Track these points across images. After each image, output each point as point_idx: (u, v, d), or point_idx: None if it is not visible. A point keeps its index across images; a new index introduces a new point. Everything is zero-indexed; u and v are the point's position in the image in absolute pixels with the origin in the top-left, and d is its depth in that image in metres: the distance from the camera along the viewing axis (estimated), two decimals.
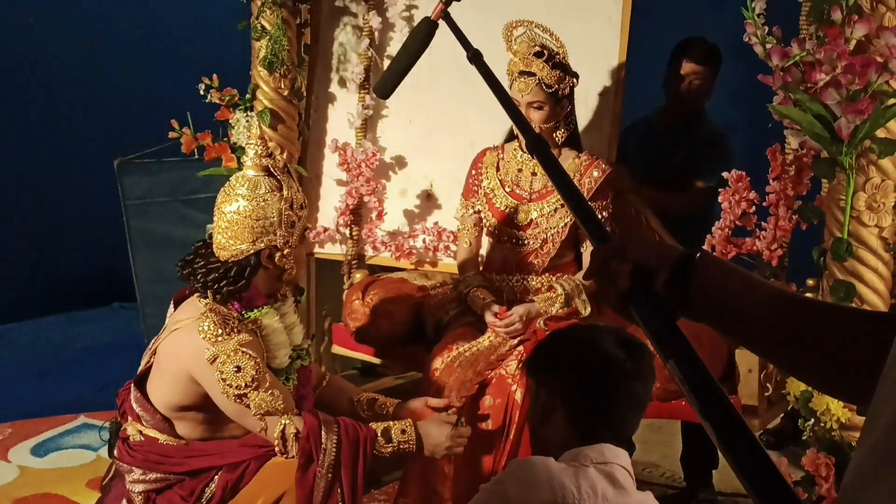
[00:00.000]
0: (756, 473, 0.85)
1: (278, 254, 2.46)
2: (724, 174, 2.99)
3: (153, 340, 2.56)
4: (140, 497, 2.46)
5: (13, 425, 4.17)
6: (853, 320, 1.10)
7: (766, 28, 2.70)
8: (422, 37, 1.99)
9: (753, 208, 2.95)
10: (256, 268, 2.44)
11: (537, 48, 2.94)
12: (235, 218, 2.40)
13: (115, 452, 2.60)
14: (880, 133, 2.50)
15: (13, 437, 4.05)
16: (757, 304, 1.11)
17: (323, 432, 2.38)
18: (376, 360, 3.50)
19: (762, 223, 2.95)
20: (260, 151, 2.44)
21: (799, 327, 1.08)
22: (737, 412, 0.93)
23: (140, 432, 2.50)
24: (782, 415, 3.22)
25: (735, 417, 0.91)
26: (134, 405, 2.51)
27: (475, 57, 1.76)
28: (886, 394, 0.81)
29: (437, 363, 2.92)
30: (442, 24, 1.94)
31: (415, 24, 3.56)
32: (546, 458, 1.79)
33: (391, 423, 2.49)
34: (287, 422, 2.37)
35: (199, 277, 2.44)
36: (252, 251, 2.42)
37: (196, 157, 3.71)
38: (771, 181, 2.89)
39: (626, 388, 1.85)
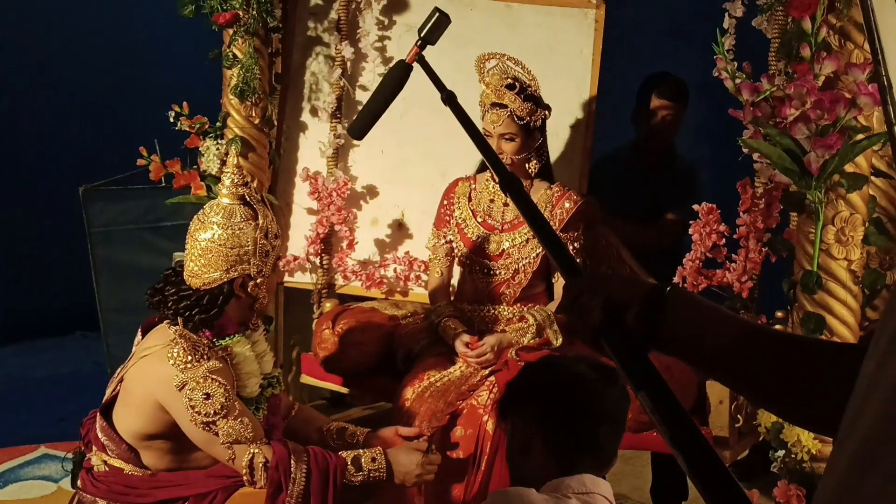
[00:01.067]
0: (725, 499, 0.85)
1: (251, 283, 2.44)
2: (695, 207, 3.02)
3: (120, 368, 2.53)
4: None
5: None
6: (820, 352, 1.11)
7: (736, 63, 2.75)
8: (396, 79, 2.01)
9: (724, 241, 2.99)
10: (229, 296, 2.42)
11: (509, 80, 2.96)
12: (209, 246, 2.39)
13: (79, 483, 2.55)
14: (849, 168, 2.55)
15: None
16: (724, 336, 1.12)
17: (292, 461, 2.35)
18: (345, 391, 3.47)
19: (732, 255, 2.98)
20: (236, 180, 2.44)
21: (766, 360, 1.09)
22: (707, 442, 0.94)
23: (105, 462, 2.46)
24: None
25: (705, 447, 0.92)
26: (99, 434, 2.47)
27: (449, 99, 1.77)
28: (851, 424, 0.81)
29: (408, 393, 2.91)
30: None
31: (387, 54, 3.60)
32: (526, 489, 1.78)
33: (361, 451, 2.47)
34: (256, 451, 2.34)
35: (170, 305, 2.41)
36: (225, 279, 2.40)
37: (164, 184, 3.68)
38: (741, 214, 2.93)
39: (601, 408, 1.86)
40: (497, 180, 1.61)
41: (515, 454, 1.92)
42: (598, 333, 1.16)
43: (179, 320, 2.40)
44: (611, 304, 1.16)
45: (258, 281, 2.45)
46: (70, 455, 2.77)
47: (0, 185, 5.79)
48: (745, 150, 2.75)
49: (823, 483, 0.84)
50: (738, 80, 2.72)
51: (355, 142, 3.69)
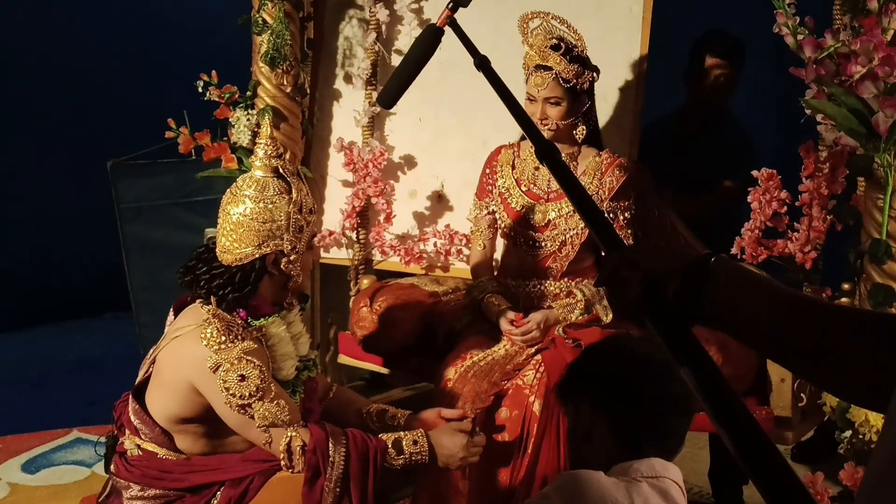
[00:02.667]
0: (773, 479, 0.85)
1: (284, 259, 2.45)
2: (754, 173, 2.98)
3: (152, 349, 2.56)
4: None
5: (2, 440, 4.18)
6: (875, 325, 1.09)
7: (798, 18, 2.69)
8: (427, 44, 2.00)
9: (785, 208, 2.94)
10: (262, 273, 2.44)
11: (554, 41, 2.93)
12: (241, 220, 2.40)
13: (112, 468, 2.59)
14: None
15: (3, 452, 4.06)
16: (769, 309, 1.12)
17: (331, 445, 2.37)
18: (385, 371, 3.49)
19: (794, 224, 2.93)
20: (269, 152, 2.45)
21: (814, 333, 1.08)
22: (754, 420, 0.93)
23: (138, 446, 2.50)
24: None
25: (751, 423, 0.93)
26: (132, 417, 2.50)
27: (482, 64, 1.76)
28: None
29: (450, 373, 2.91)
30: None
31: (424, 16, 3.58)
32: (596, 472, 1.79)
33: (402, 433, 2.48)
34: (293, 434, 2.36)
35: (202, 284, 2.43)
36: (257, 255, 2.42)
37: (193, 157, 3.71)
38: (804, 180, 2.88)
39: (670, 392, 1.85)
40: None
41: (578, 438, 1.93)
42: (637, 308, 1.17)
43: (213, 300, 2.42)
44: (650, 278, 1.17)
45: (291, 258, 2.46)
46: (102, 439, 2.82)
47: (26, 161, 5.87)
48: (808, 112, 2.70)
49: (875, 457, 0.83)
50: (799, 36, 2.67)
51: (392, 110, 3.67)
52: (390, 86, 2.06)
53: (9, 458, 4.00)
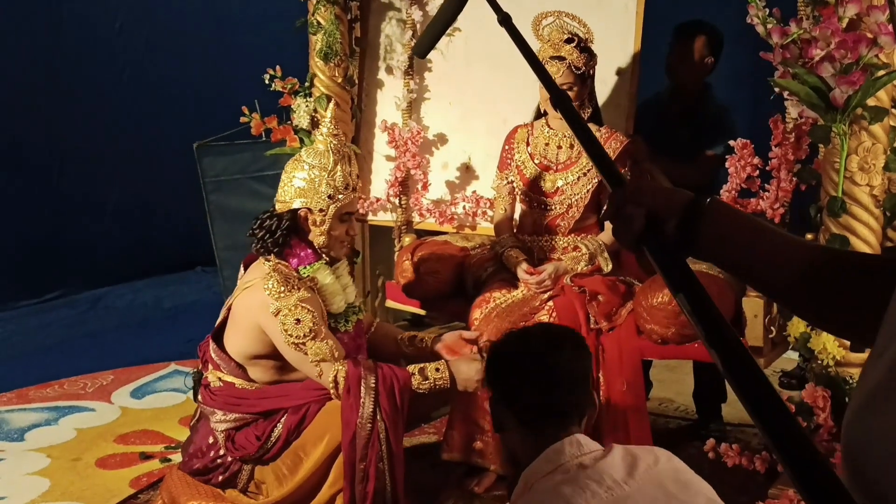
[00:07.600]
0: (756, 394, 0.81)
1: (311, 217, 2.49)
2: (731, 142, 2.95)
3: (228, 298, 2.61)
4: (223, 435, 2.53)
5: (115, 372, 4.25)
6: (849, 263, 1.06)
7: (767, 10, 2.65)
8: (456, 1, 1.93)
9: (757, 172, 2.90)
10: (292, 224, 2.49)
11: (567, 35, 2.92)
12: (292, 179, 2.50)
13: (199, 397, 2.65)
14: (871, 101, 2.46)
15: (115, 382, 4.13)
16: (757, 242, 1.08)
17: (362, 381, 2.41)
18: (423, 313, 3.52)
19: (765, 185, 2.90)
20: (331, 129, 2.55)
21: (796, 266, 1.04)
22: (738, 338, 0.88)
23: (219, 378, 2.55)
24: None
25: (736, 343, 0.86)
26: (212, 355, 2.56)
27: (504, 20, 1.67)
28: (890, 332, 0.78)
29: (477, 313, 2.94)
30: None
31: None
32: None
33: (428, 363, 2.51)
34: (339, 368, 2.41)
35: (256, 235, 2.50)
36: (293, 206, 2.48)
37: (263, 139, 3.74)
38: (773, 147, 2.84)
39: (554, 375, 1.68)
40: (550, 109, 1.54)
41: (496, 430, 1.78)
42: (639, 240, 1.10)
43: (272, 257, 2.46)
44: (652, 214, 1.10)
45: (318, 219, 2.49)
46: (192, 371, 2.87)
47: (127, 145, 5.92)
48: (776, 90, 2.66)
49: (862, 384, 0.80)
50: (769, 25, 2.62)
51: (426, 96, 3.68)
52: (424, 39, 1.97)
53: (120, 386, 4.07)
